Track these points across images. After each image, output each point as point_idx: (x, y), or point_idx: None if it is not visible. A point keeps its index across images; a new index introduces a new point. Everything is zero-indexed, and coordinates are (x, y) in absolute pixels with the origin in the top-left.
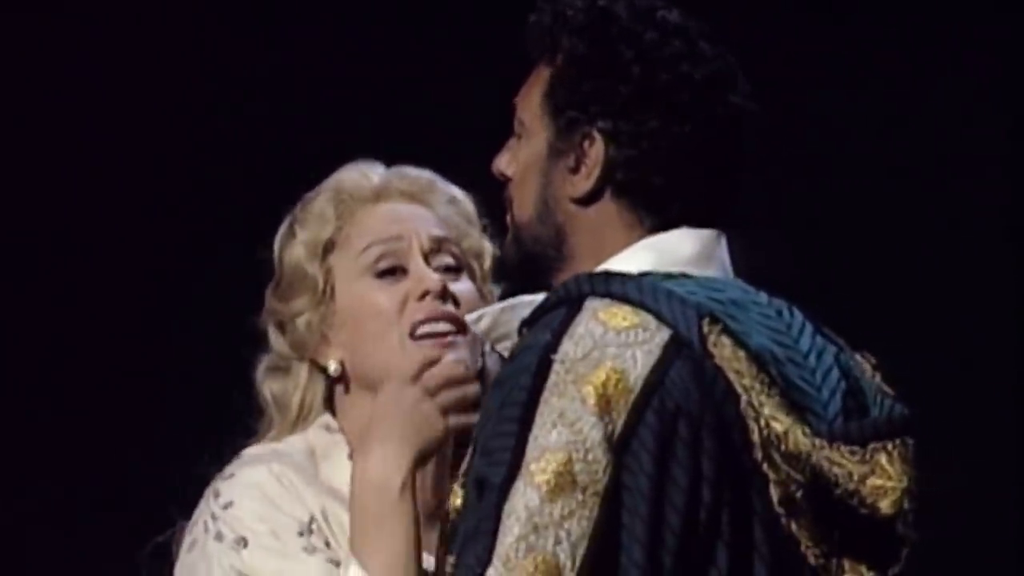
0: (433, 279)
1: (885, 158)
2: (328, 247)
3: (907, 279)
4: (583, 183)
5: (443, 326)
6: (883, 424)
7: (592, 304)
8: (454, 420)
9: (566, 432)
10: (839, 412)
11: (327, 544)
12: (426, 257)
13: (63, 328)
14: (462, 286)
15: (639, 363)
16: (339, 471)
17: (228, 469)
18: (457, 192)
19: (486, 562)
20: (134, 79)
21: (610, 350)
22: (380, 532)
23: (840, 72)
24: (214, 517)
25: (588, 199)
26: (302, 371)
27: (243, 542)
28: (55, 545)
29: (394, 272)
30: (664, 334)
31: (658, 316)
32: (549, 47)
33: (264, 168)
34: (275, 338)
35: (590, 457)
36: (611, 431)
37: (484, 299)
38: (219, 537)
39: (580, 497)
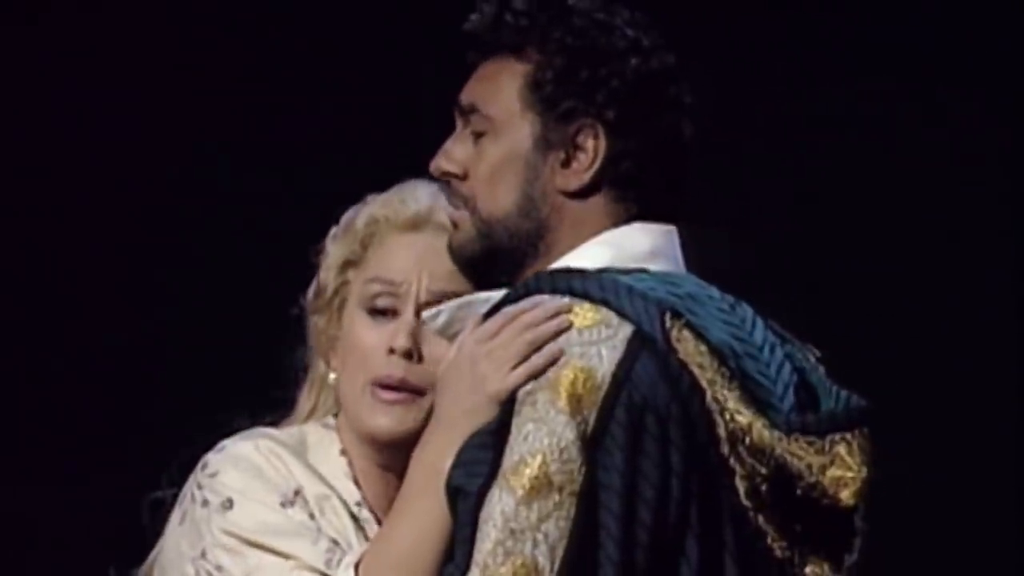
0: (401, 339)
1: (887, 159)
2: (347, 264)
3: (908, 279)
4: (579, 176)
5: (394, 391)
6: (841, 415)
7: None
8: None
9: (540, 435)
10: (793, 405)
11: (311, 516)
12: (420, 308)
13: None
14: (444, 345)
15: (605, 359)
16: (327, 464)
17: (219, 444)
18: None
19: (464, 569)
20: (129, 72)
21: (575, 349)
22: (417, 509)
23: (837, 71)
24: (200, 486)
25: (582, 192)
26: (320, 367)
27: (229, 503)
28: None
29: (386, 313)
30: (627, 330)
31: (620, 312)
32: (513, 40)
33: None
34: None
35: (565, 457)
36: (584, 429)
37: None
38: (205, 503)
39: (557, 498)
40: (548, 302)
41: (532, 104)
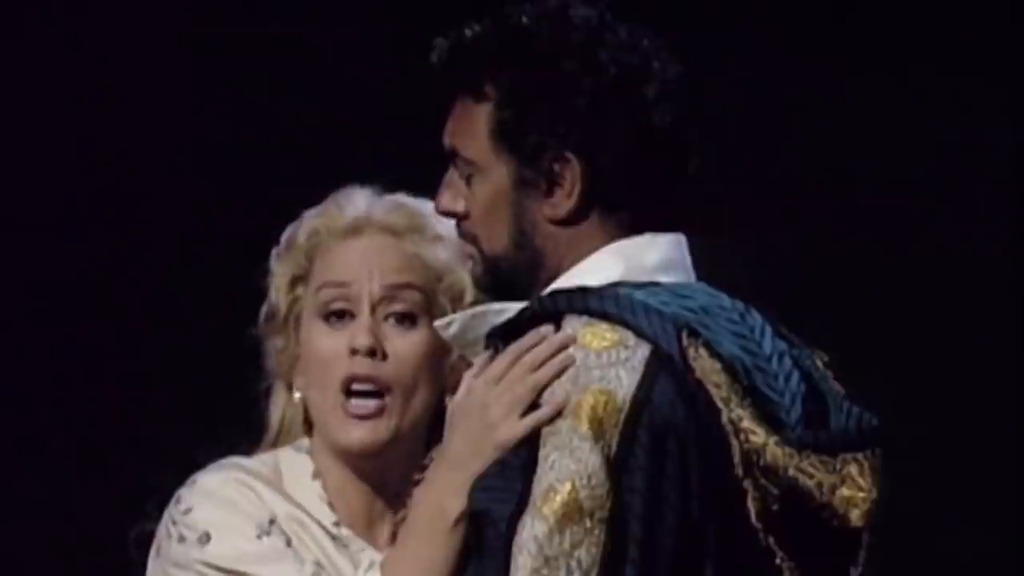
0: (361, 337)
1: (892, 167)
2: (296, 280)
3: (910, 285)
4: (563, 204)
5: (367, 387)
6: (854, 434)
7: (570, 324)
8: None
9: (566, 462)
10: (800, 418)
11: (288, 543)
12: (375, 306)
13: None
14: (404, 341)
15: (624, 381)
16: (300, 488)
17: (192, 477)
18: (444, 229)
19: None
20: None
21: (594, 373)
22: (420, 552)
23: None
24: (174, 522)
25: (571, 218)
26: (281, 391)
27: (206, 537)
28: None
29: (342, 316)
30: (644, 350)
31: (637, 331)
32: (471, 81)
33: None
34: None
35: (594, 482)
36: (608, 453)
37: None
38: (182, 539)
39: (588, 524)
40: (553, 336)
41: (502, 146)
